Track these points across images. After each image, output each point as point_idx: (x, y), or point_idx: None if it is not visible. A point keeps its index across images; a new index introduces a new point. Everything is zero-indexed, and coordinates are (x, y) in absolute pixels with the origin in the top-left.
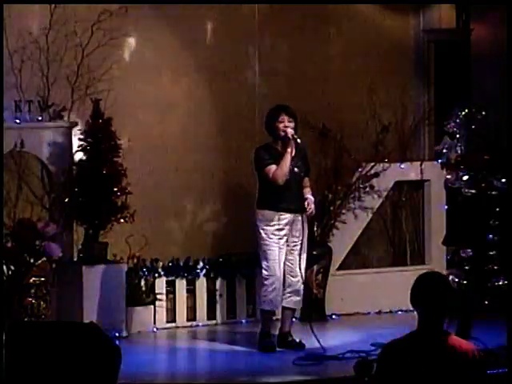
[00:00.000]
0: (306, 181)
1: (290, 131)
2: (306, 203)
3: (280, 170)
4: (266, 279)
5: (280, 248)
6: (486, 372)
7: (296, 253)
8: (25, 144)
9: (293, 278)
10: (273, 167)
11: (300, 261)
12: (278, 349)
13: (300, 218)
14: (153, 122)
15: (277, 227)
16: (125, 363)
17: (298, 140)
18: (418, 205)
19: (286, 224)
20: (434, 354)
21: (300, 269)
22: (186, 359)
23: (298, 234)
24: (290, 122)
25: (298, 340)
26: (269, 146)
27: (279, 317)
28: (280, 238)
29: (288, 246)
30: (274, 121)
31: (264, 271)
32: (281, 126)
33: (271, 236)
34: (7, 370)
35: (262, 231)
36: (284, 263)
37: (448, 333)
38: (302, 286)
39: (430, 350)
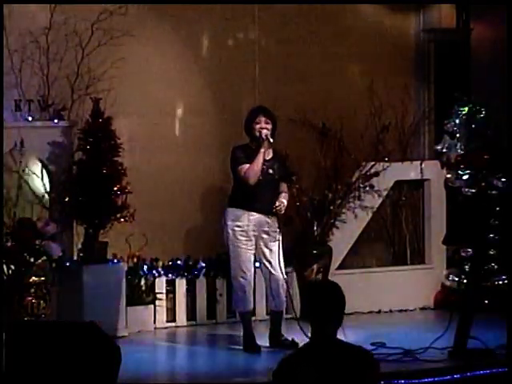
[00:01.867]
0: (284, 186)
1: (265, 132)
2: (277, 202)
3: (251, 169)
4: (236, 280)
5: (248, 249)
6: (379, 372)
7: (271, 254)
8: (25, 144)
9: (272, 281)
10: (245, 166)
11: (278, 263)
12: (270, 349)
13: (271, 220)
14: (153, 122)
15: (245, 228)
16: (125, 363)
17: (271, 140)
18: (417, 204)
19: (255, 225)
20: (330, 362)
21: (279, 271)
22: (186, 359)
23: (267, 236)
24: (266, 123)
25: (290, 339)
26: (246, 145)
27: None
28: (248, 240)
29: (261, 248)
30: (251, 121)
31: (233, 272)
32: (257, 126)
33: (239, 237)
34: (7, 369)
35: (230, 231)
36: (262, 266)
37: (340, 340)
38: (284, 287)
39: (326, 359)
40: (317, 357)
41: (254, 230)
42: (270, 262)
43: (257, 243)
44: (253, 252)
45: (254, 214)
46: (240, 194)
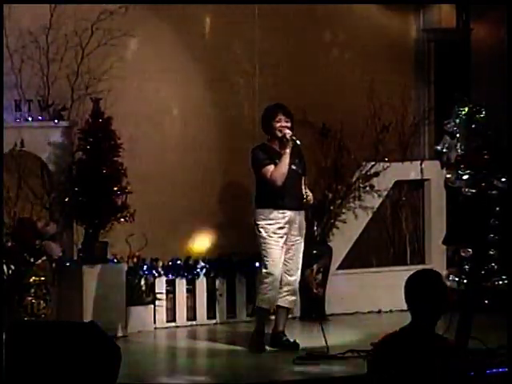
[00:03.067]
0: (304, 179)
1: (289, 132)
2: (303, 193)
3: (278, 171)
4: (266, 277)
5: (280, 247)
6: (467, 372)
7: (294, 252)
8: (25, 144)
9: (289, 277)
10: (271, 168)
11: (298, 260)
12: (271, 348)
13: (299, 215)
14: (153, 122)
15: (278, 226)
16: (125, 363)
17: (298, 142)
18: (418, 204)
19: (287, 222)
20: (425, 350)
21: (297, 268)
22: (186, 359)
23: (296, 233)
24: (286, 121)
25: (292, 340)
26: (265, 145)
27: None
28: (280, 237)
29: (286, 244)
30: (270, 120)
31: (264, 269)
32: (277, 125)
33: (272, 235)
34: (7, 369)
35: (262, 230)
36: (283, 262)
37: (437, 334)
38: (298, 286)
39: (421, 347)
40: (408, 345)
41: (285, 228)
42: (292, 260)
43: (286, 240)
44: (284, 250)
45: (285, 211)
46: (267, 193)
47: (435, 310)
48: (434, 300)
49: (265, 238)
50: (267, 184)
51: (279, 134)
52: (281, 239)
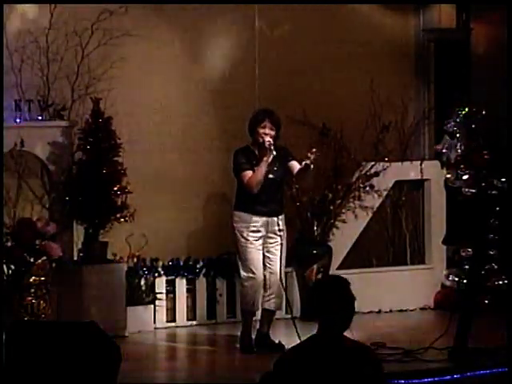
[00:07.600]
0: (295, 162)
1: (268, 140)
2: (308, 159)
3: (254, 179)
4: (246, 281)
5: (257, 249)
6: (382, 370)
7: (276, 254)
8: (25, 144)
9: (273, 280)
10: (249, 173)
11: (280, 262)
12: (256, 349)
13: (277, 219)
14: (153, 122)
15: (253, 228)
16: (125, 363)
17: (274, 153)
18: (418, 204)
19: (262, 226)
20: (333, 356)
21: (280, 270)
22: (186, 359)
23: (274, 235)
24: (271, 129)
25: (276, 341)
26: (248, 148)
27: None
28: (256, 240)
29: (267, 247)
30: (256, 125)
31: (243, 273)
32: (261, 131)
33: (248, 237)
34: (7, 369)
35: (238, 233)
36: (264, 265)
37: (345, 337)
38: (282, 287)
39: (329, 353)
40: (317, 352)
41: (261, 231)
42: (274, 262)
43: (265, 243)
44: (261, 252)
45: (260, 217)
46: (245, 197)
47: (345, 318)
48: (344, 308)
49: (242, 241)
50: (245, 188)
51: (260, 140)
52: (257, 242)
